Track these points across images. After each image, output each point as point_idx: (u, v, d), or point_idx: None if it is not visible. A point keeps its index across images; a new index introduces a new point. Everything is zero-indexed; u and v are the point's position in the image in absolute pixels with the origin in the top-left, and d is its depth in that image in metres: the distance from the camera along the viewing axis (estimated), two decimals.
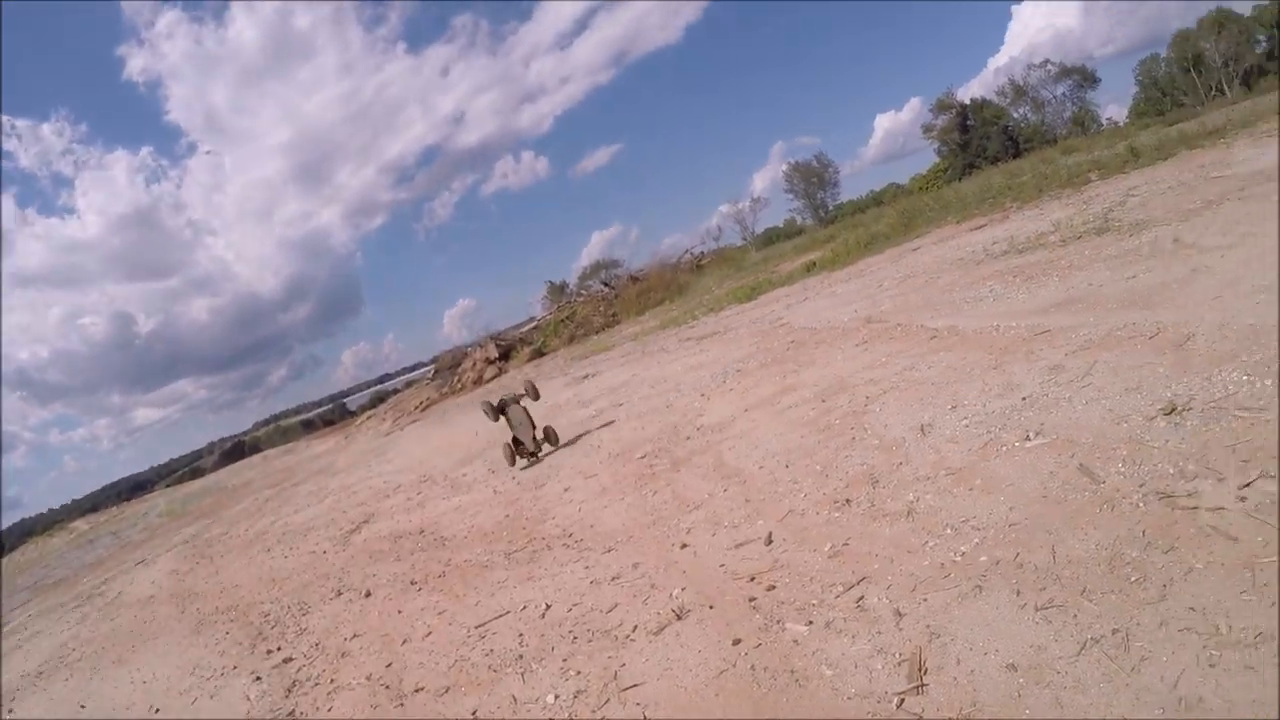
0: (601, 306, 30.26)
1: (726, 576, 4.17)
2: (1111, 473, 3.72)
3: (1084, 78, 53.99)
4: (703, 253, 39.94)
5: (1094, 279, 7.28)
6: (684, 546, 4.78)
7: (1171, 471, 3.52)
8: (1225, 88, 46.64)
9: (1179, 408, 4.06)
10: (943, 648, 2.94)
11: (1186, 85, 50.32)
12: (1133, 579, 2.91)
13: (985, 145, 52.31)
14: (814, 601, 3.60)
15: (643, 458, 7.11)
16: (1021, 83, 54.55)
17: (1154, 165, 13.95)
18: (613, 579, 4.67)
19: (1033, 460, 4.16)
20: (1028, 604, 2.99)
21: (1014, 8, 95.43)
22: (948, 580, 3.36)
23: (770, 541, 4.40)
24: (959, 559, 3.49)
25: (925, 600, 3.29)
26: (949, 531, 3.77)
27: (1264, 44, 49.14)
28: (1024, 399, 5.01)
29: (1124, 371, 4.82)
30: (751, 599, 3.82)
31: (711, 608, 3.90)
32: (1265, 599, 2.56)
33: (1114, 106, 59.64)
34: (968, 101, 56.15)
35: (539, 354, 25.92)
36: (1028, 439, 4.43)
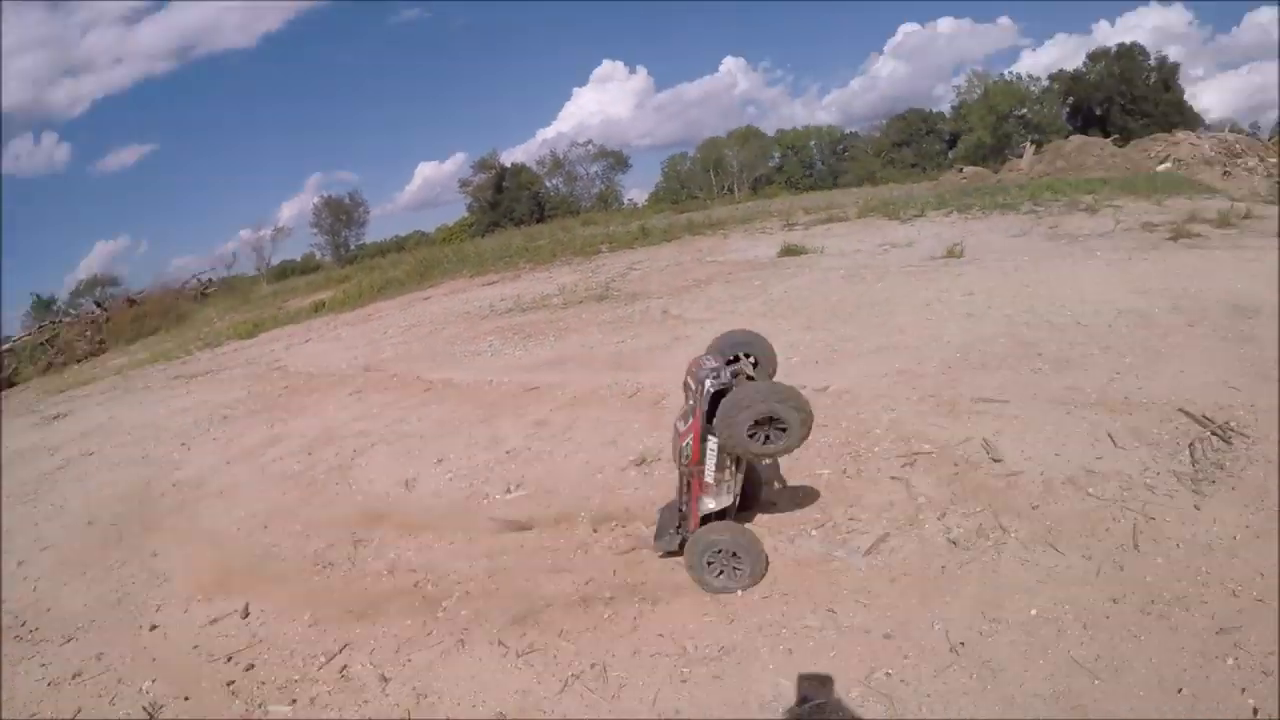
0: (89, 331, 25.96)
1: (202, 659, 3.82)
2: (584, 519, 4.30)
3: (617, 161, 63.89)
4: (210, 280, 36.72)
5: (587, 340, 8.39)
6: (154, 628, 4.25)
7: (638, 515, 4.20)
8: (736, 189, 58.39)
9: (649, 458, 4.88)
10: (431, 707, 3.07)
11: (704, 182, 61.91)
12: (606, 616, 3.39)
13: (514, 207, 57.47)
14: (296, 677, 3.49)
15: (111, 521, 6.09)
16: (561, 156, 62.20)
17: (659, 245, 16.60)
18: (74, 677, 3.94)
19: (512, 512, 4.61)
20: (510, 651, 3.28)
21: (576, 89, 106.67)
22: (430, 638, 3.52)
23: (247, 614, 4.14)
24: (440, 615, 3.68)
25: (410, 661, 3.39)
26: (430, 587, 3.96)
27: (776, 159, 63.89)
28: (508, 452, 5.55)
29: (604, 426, 5.64)
30: (230, 683, 3.56)
31: (187, 699, 3.54)
32: (724, 617, 3.22)
33: (637, 190, 69.95)
34: (509, 165, 61.29)
35: (9, 384, 21.01)
36: (509, 491, 4.92)
